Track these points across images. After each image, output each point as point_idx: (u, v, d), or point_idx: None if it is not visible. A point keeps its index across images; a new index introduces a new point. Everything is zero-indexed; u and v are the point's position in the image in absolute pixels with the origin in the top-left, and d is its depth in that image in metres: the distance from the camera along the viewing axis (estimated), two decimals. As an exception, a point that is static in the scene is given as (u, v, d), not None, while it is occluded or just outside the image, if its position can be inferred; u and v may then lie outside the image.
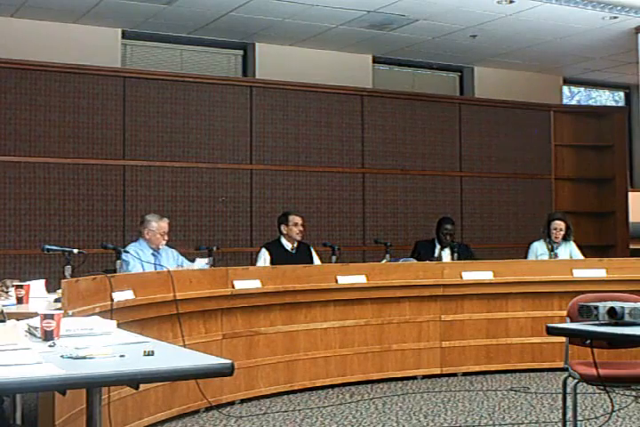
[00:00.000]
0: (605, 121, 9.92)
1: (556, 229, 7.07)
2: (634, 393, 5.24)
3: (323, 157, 8.49)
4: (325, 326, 5.79)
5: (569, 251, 7.17)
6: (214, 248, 6.18)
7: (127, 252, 5.55)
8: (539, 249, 7.15)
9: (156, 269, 5.56)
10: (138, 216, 7.45)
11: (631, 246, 9.68)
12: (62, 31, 7.81)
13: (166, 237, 5.90)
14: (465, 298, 6.23)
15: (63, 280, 3.96)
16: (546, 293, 6.31)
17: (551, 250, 7.09)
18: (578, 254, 7.16)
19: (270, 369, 5.51)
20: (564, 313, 4.35)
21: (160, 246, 5.87)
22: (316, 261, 6.66)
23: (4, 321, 2.80)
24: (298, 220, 6.58)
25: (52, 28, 7.76)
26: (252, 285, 5.44)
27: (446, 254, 7.00)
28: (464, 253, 7.01)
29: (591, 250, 8.90)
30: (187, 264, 5.87)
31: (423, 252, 7.03)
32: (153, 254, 5.85)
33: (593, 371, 3.77)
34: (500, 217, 9.36)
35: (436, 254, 7.00)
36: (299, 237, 6.58)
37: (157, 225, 5.84)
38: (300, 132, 8.40)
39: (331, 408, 5.18)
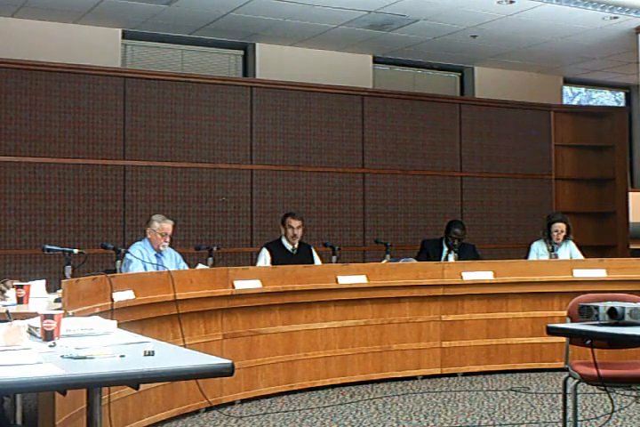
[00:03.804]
0: (605, 121, 9.92)
1: (557, 231, 7.06)
2: (634, 393, 5.24)
3: (323, 157, 8.49)
4: (325, 327, 5.79)
5: (569, 251, 7.16)
6: (214, 248, 6.18)
7: (128, 252, 5.54)
8: (539, 249, 7.15)
9: (157, 269, 5.55)
10: (138, 216, 7.47)
11: (631, 246, 9.68)
12: (62, 31, 7.81)
13: (167, 240, 5.84)
14: (465, 298, 6.23)
15: (63, 280, 3.96)
16: (546, 293, 6.31)
17: (551, 250, 7.09)
18: (578, 254, 7.15)
19: (270, 369, 5.51)
20: (565, 313, 4.35)
21: (161, 248, 5.83)
22: (317, 261, 6.66)
23: (8, 321, 2.80)
24: (294, 223, 6.54)
25: (52, 28, 7.77)
26: (253, 285, 5.43)
27: (452, 258, 6.94)
28: (470, 253, 6.99)
29: (591, 250, 8.90)
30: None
31: (431, 251, 7.00)
32: (156, 255, 5.84)
33: (593, 371, 3.77)
34: (500, 217, 9.36)
35: (443, 256, 6.97)
36: (293, 241, 6.55)
37: (159, 226, 5.81)
38: (300, 133, 8.40)
39: (331, 408, 5.18)
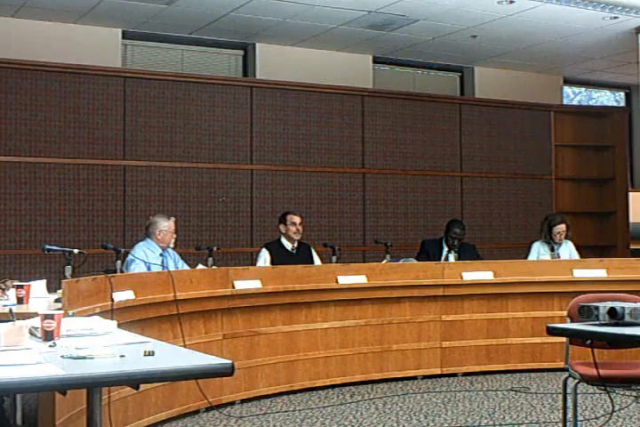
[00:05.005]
0: (605, 121, 9.92)
1: (559, 232, 7.08)
2: (634, 393, 5.24)
3: (323, 157, 8.49)
4: (326, 327, 5.79)
5: (568, 251, 7.18)
6: (214, 248, 6.18)
7: (128, 252, 5.55)
8: (541, 249, 7.15)
9: (164, 269, 5.55)
10: (138, 216, 7.47)
11: (631, 246, 9.68)
12: (62, 31, 7.81)
13: (175, 235, 5.97)
14: (465, 298, 6.23)
15: (64, 280, 3.96)
16: (546, 293, 6.31)
17: (552, 250, 7.10)
18: (575, 255, 7.18)
19: (270, 369, 5.51)
20: (565, 313, 4.35)
21: (170, 245, 5.91)
22: (317, 261, 6.66)
23: (11, 321, 2.80)
24: (295, 219, 6.57)
25: (52, 28, 7.77)
26: (253, 285, 5.43)
27: (452, 258, 6.94)
28: (470, 253, 6.99)
29: (591, 250, 8.91)
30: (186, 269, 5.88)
31: (431, 251, 7.00)
32: (161, 254, 5.86)
33: (593, 371, 3.77)
34: (500, 217, 9.36)
35: (443, 256, 6.97)
36: (296, 237, 6.56)
37: (167, 224, 5.92)
38: (300, 133, 8.40)
39: (331, 408, 5.18)
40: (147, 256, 5.69)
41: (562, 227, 7.09)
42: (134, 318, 4.52)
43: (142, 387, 2.99)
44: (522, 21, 7.92)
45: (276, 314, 5.58)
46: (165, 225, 5.89)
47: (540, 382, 5.91)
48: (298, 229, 6.55)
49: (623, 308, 3.52)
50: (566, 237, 7.15)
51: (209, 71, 8.61)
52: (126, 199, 7.57)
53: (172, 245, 5.95)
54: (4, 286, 4.47)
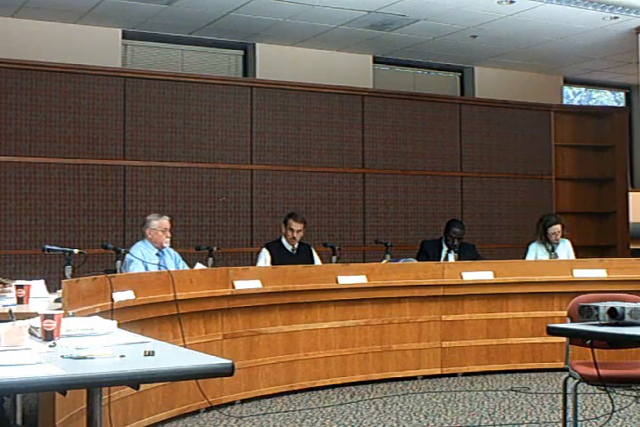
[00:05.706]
0: (606, 121, 9.92)
1: (555, 233, 7.09)
2: (634, 393, 5.24)
3: (323, 157, 8.49)
4: (326, 327, 5.79)
5: (566, 250, 7.19)
6: (214, 248, 6.18)
7: (128, 252, 5.54)
8: (538, 249, 7.15)
9: (160, 269, 5.54)
10: (138, 216, 7.47)
11: (631, 246, 9.68)
12: (62, 31, 7.81)
13: (169, 235, 5.88)
14: (465, 298, 6.23)
15: (64, 280, 3.96)
16: (546, 293, 6.31)
17: (551, 250, 7.10)
18: (572, 255, 7.18)
19: (270, 369, 5.51)
20: (565, 313, 4.36)
21: (164, 244, 5.85)
22: (317, 261, 6.65)
23: (11, 320, 2.80)
24: (295, 226, 6.52)
25: (52, 28, 7.77)
26: (253, 285, 5.43)
27: (452, 258, 6.94)
28: (470, 252, 6.99)
29: (591, 250, 8.91)
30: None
31: (431, 252, 7.00)
32: (157, 254, 5.84)
33: (593, 371, 3.77)
34: (500, 217, 9.36)
35: (443, 256, 6.97)
36: (291, 243, 6.55)
37: (158, 222, 5.84)
38: (300, 133, 8.40)
39: (331, 409, 5.18)
40: (144, 256, 5.67)
41: (557, 227, 7.10)
42: (134, 318, 4.52)
43: (142, 387, 2.99)
44: (522, 21, 7.92)
45: (276, 314, 5.58)
46: (155, 224, 5.84)
47: (540, 382, 5.91)
48: (294, 237, 6.52)
49: (623, 308, 3.52)
50: (563, 237, 7.17)
51: (209, 71, 8.61)
52: (126, 199, 7.57)
53: (166, 245, 5.86)
54: (4, 281, 4.47)
